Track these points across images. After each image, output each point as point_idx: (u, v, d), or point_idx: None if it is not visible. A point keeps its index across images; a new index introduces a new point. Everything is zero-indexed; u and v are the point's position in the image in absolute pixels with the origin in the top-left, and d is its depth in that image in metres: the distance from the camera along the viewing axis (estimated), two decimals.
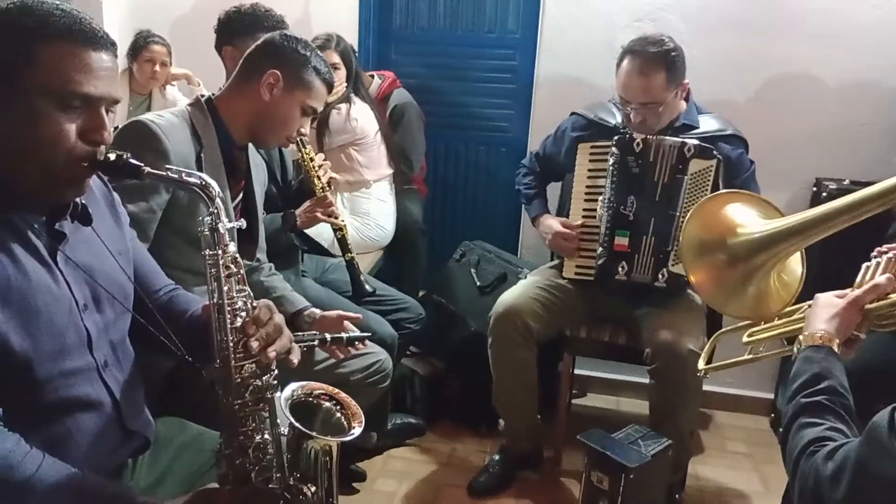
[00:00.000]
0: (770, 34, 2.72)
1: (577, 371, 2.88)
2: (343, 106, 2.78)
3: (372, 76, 3.10)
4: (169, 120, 1.70)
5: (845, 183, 2.62)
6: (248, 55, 1.84)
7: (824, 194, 2.61)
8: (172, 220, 1.68)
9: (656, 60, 2.16)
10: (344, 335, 1.80)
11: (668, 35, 2.24)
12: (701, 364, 1.75)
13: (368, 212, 2.88)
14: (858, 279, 1.33)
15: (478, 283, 2.80)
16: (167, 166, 1.17)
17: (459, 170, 3.42)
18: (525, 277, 2.55)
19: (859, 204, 1.21)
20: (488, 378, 2.42)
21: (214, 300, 1.16)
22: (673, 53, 2.18)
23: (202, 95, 1.83)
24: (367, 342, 1.87)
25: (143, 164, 1.11)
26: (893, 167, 2.62)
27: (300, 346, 1.29)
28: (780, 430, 1.21)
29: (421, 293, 2.99)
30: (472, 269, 2.86)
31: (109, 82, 1.11)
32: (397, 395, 2.65)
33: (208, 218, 1.15)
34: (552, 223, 2.43)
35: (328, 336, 1.76)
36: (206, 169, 1.67)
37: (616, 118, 2.36)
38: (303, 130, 1.92)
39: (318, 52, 1.86)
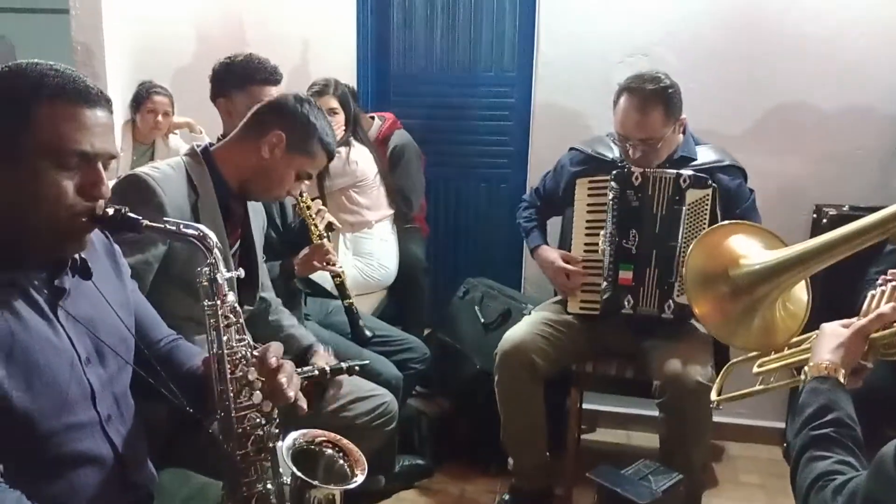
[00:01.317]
0: (764, 63, 2.75)
1: (585, 406, 2.86)
2: (343, 150, 2.81)
3: (373, 118, 3.14)
4: (164, 171, 1.71)
5: (845, 209, 2.62)
6: (258, 110, 1.85)
7: (824, 220, 2.61)
8: (170, 270, 1.69)
9: (653, 97, 2.18)
10: (343, 364, 1.80)
11: (663, 72, 2.27)
12: (714, 395, 1.73)
13: (371, 252, 2.89)
14: (864, 307, 1.32)
15: (482, 321, 2.79)
16: (165, 219, 1.19)
17: (461, 207, 3.45)
18: (529, 313, 2.54)
19: (859, 233, 1.21)
20: (496, 416, 2.40)
21: (214, 350, 1.16)
22: (670, 90, 2.21)
23: (198, 145, 1.84)
24: (365, 366, 1.90)
25: (141, 218, 1.13)
26: (892, 191, 2.63)
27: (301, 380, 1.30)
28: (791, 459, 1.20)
29: (425, 332, 2.98)
30: (476, 307, 2.85)
31: (105, 138, 1.13)
32: (404, 437, 2.62)
33: (206, 269, 1.16)
34: (552, 255, 2.44)
35: (328, 367, 1.76)
36: (203, 218, 1.69)
37: (614, 152, 2.38)
38: (294, 193, 1.93)
39: (328, 120, 1.88)
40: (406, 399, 2.58)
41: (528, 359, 2.27)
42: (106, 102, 1.15)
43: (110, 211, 1.13)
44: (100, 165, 1.13)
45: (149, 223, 1.14)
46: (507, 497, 2.45)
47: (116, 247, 1.35)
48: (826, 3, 2.67)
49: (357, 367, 1.82)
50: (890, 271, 1.33)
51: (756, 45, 2.74)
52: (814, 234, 2.65)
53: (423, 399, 2.87)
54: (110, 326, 1.25)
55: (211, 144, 1.87)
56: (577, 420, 2.59)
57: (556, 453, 2.50)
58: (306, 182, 1.94)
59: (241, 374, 1.17)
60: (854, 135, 2.73)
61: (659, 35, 2.80)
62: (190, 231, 1.17)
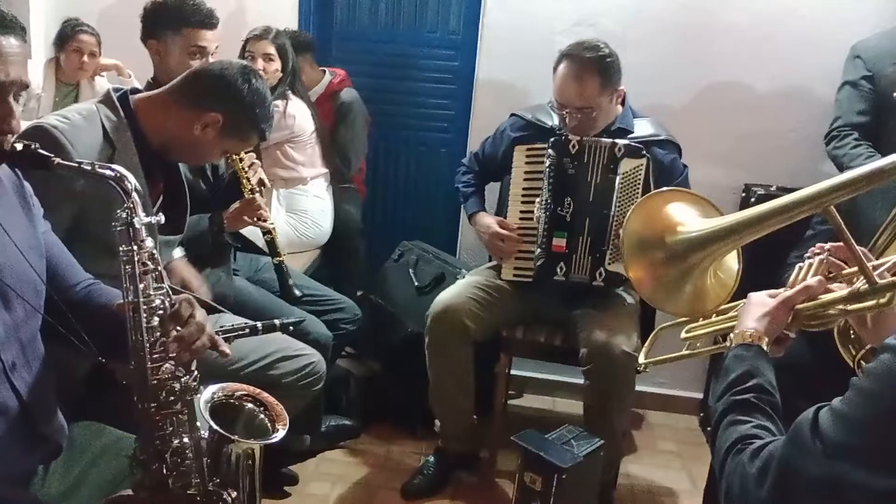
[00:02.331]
0: (704, 41, 2.78)
1: (513, 372, 2.89)
2: (280, 103, 2.72)
3: (323, 71, 3.05)
4: (74, 122, 1.58)
5: (773, 189, 2.69)
6: (197, 78, 1.71)
7: (752, 200, 2.67)
8: (87, 228, 1.56)
9: (591, 65, 2.18)
10: (277, 321, 1.71)
11: (604, 41, 2.26)
12: (641, 359, 1.76)
13: (305, 209, 2.83)
14: (791, 279, 1.35)
15: (416, 284, 2.77)
16: (78, 159, 1.11)
17: (399, 170, 3.40)
18: (463, 278, 2.54)
19: (793, 206, 1.22)
20: (424, 379, 2.40)
21: (130, 298, 1.11)
22: (608, 59, 2.20)
23: (117, 89, 1.70)
24: (300, 324, 1.82)
25: (52, 155, 1.05)
26: (819, 175, 2.69)
27: (230, 340, 1.25)
28: (710, 428, 1.22)
29: (358, 293, 2.95)
30: (411, 270, 2.83)
31: (17, 67, 1.05)
32: (332, 397, 2.61)
33: (124, 213, 1.09)
34: (489, 221, 2.43)
35: (259, 324, 1.69)
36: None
37: (553, 120, 2.38)
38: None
39: (269, 100, 1.77)
40: (335, 360, 2.55)
41: (460, 321, 2.27)
42: (21, 31, 1.07)
43: (19, 146, 1.06)
44: (11, 98, 1.06)
45: (60, 161, 1.07)
46: (431, 459, 2.46)
47: (27, 185, 1.27)
48: None
49: (291, 326, 1.76)
50: (818, 244, 1.36)
51: (697, 23, 2.76)
52: None
53: (352, 360, 2.85)
54: (17, 269, 1.17)
55: (134, 91, 1.74)
56: (504, 385, 2.61)
57: (482, 417, 2.52)
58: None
59: (157, 322, 1.12)
60: (786, 117, 2.79)
61: (605, 6, 2.80)
62: (106, 172, 1.10)
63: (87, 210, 1.56)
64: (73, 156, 1.48)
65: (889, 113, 2.00)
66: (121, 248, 1.11)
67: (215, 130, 1.68)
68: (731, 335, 1.28)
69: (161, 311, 1.14)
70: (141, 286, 1.11)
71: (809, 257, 1.33)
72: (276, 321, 1.69)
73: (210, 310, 1.80)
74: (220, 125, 1.68)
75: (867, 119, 2.40)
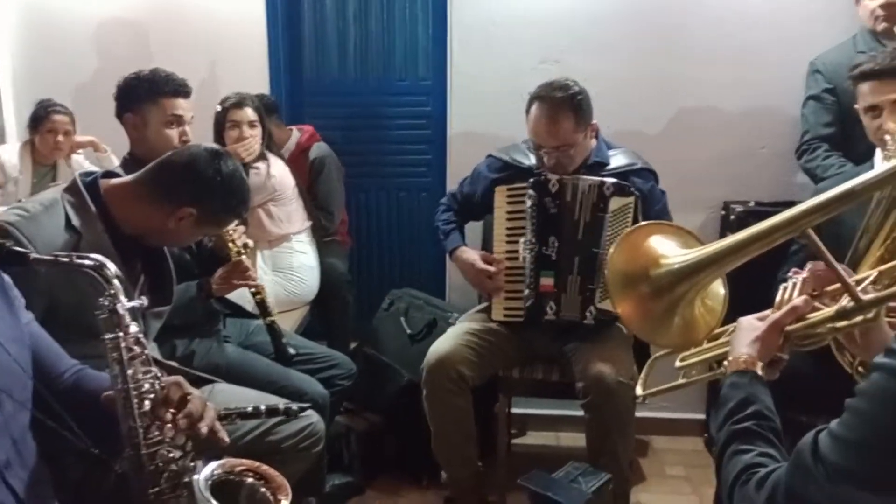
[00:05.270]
0: (669, 67, 2.83)
1: (514, 410, 2.87)
2: (261, 165, 2.75)
3: (291, 130, 3.08)
4: (33, 214, 1.53)
5: (751, 205, 2.72)
6: (166, 170, 1.65)
7: (732, 217, 2.71)
8: (60, 315, 1.50)
9: (563, 105, 2.21)
10: (281, 405, 1.68)
11: (572, 79, 2.29)
12: (639, 390, 1.75)
13: (291, 266, 2.84)
14: (777, 300, 1.36)
15: (408, 332, 2.76)
16: (55, 252, 1.11)
17: (382, 218, 3.42)
18: (454, 322, 2.53)
19: (771, 231, 1.23)
20: (426, 428, 2.37)
21: (119, 385, 1.09)
22: (579, 97, 2.24)
23: (86, 175, 1.66)
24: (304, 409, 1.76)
25: (29, 251, 1.05)
26: (794, 187, 2.76)
27: (231, 420, 1.23)
28: (715, 453, 1.22)
29: (352, 346, 2.93)
30: (402, 318, 2.83)
31: None
32: (333, 455, 2.56)
33: (106, 300, 1.08)
34: (472, 257, 2.42)
35: (263, 407, 1.66)
36: None
37: (530, 159, 2.40)
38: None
39: (245, 181, 1.73)
40: (334, 417, 2.52)
41: (455, 370, 2.25)
42: None
43: None
44: None
45: (37, 256, 1.06)
46: None
47: (7, 278, 1.25)
48: (728, 9, 2.77)
49: (294, 414, 1.69)
50: (794, 269, 1.38)
51: (663, 50, 2.82)
52: (723, 230, 2.78)
53: (350, 415, 2.82)
54: (2, 364, 1.16)
55: (108, 174, 1.71)
56: (506, 426, 2.59)
57: (487, 460, 2.49)
58: None
59: (148, 408, 1.10)
60: (757, 134, 2.84)
61: (569, 42, 2.85)
62: (85, 262, 1.09)
63: (56, 298, 1.51)
64: (29, 248, 1.39)
65: (853, 122, 2.05)
66: (106, 336, 1.10)
67: (190, 222, 1.65)
68: (726, 362, 1.28)
69: (152, 395, 1.13)
70: (129, 372, 1.10)
71: (793, 276, 1.34)
72: (280, 405, 1.65)
73: (203, 381, 1.79)
74: (195, 218, 1.64)
75: (834, 130, 2.46)
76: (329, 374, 2.40)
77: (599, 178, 2.26)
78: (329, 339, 2.93)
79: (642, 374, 1.78)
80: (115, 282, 1.09)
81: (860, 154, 2.17)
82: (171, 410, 1.14)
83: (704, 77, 2.82)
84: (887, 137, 1.78)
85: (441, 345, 2.33)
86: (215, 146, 1.76)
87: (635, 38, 2.83)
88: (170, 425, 1.11)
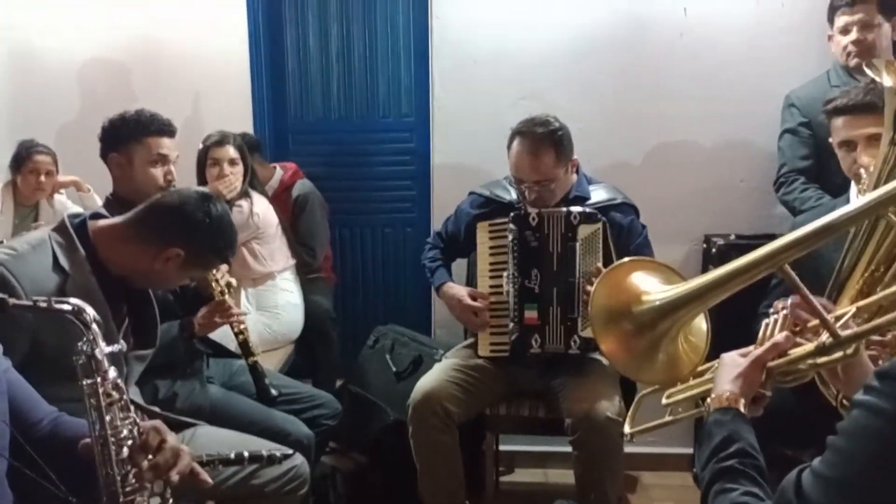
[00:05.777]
0: (650, 101, 2.87)
1: (501, 447, 2.84)
2: (244, 203, 2.75)
3: (274, 167, 3.09)
4: (21, 253, 1.54)
5: (731, 238, 2.75)
6: (155, 211, 1.68)
7: (713, 250, 2.73)
8: (42, 356, 1.50)
9: (544, 140, 2.24)
10: (264, 452, 1.66)
11: (553, 115, 2.33)
12: (626, 429, 1.74)
13: (276, 305, 2.82)
14: (759, 336, 1.37)
15: (394, 369, 2.75)
16: (34, 297, 1.10)
17: (367, 254, 3.42)
18: (440, 359, 2.52)
19: (750, 267, 1.24)
20: (412, 467, 2.34)
21: (97, 432, 1.08)
22: (559, 132, 2.26)
23: (74, 217, 1.68)
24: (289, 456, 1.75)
25: (6, 297, 1.04)
26: (773, 219, 2.79)
27: (214, 466, 1.21)
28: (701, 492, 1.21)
29: (337, 384, 2.90)
30: (388, 355, 2.81)
31: None
32: (319, 496, 2.53)
33: (84, 346, 1.07)
34: (459, 292, 2.43)
35: (246, 454, 1.64)
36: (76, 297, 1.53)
37: (511, 194, 2.42)
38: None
39: (231, 223, 1.76)
40: (319, 457, 2.49)
41: (442, 407, 2.24)
42: None
43: None
44: None
45: (16, 302, 1.05)
46: None
47: None
48: (705, 46, 2.83)
49: (278, 460, 1.67)
50: (776, 302, 1.39)
51: (642, 86, 2.87)
52: (705, 263, 2.80)
53: (336, 455, 2.78)
54: None
55: (95, 215, 1.72)
56: (494, 463, 2.57)
57: (475, 498, 2.46)
58: None
59: (126, 454, 1.09)
60: (735, 168, 2.88)
61: (549, 79, 2.89)
62: (63, 307, 1.08)
63: (39, 340, 1.50)
64: (18, 290, 1.44)
65: (829, 155, 2.08)
66: (84, 382, 1.09)
67: (177, 263, 1.66)
68: (709, 400, 1.28)
69: (130, 441, 1.11)
70: (108, 418, 1.09)
71: (774, 313, 1.35)
72: (264, 451, 1.64)
73: (185, 425, 1.76)
74: (182, 258, 1.66)
75: (810, 163, 2.49)
76: (314, 413, 2.38)
77: (566, 209, 2.28)
78: (315, 377, 2.90)
79: (630, 412, 1.77)
80: (94, 326, 1.08)
81: (836, 186, 2.20)
82: (149, 457, 1.12)
83: (683, 112, 2.86)
84: (861, 171, 1.81)
85: (427, 381, 2.31)
86: (205, 189, 1.78)
87: (615, 76, 2.88)
88: (148, 472, 1.09)
